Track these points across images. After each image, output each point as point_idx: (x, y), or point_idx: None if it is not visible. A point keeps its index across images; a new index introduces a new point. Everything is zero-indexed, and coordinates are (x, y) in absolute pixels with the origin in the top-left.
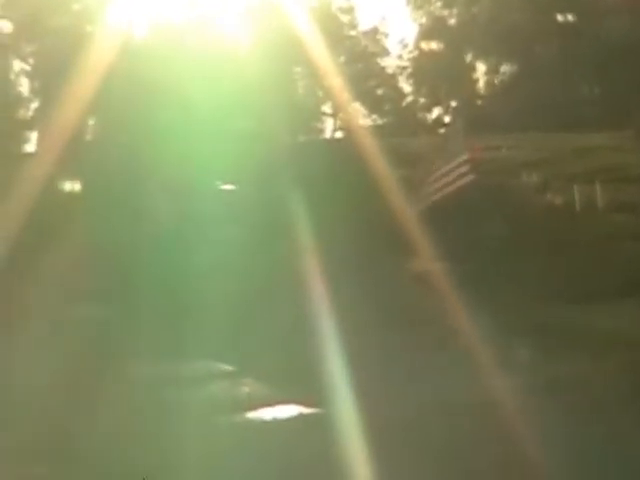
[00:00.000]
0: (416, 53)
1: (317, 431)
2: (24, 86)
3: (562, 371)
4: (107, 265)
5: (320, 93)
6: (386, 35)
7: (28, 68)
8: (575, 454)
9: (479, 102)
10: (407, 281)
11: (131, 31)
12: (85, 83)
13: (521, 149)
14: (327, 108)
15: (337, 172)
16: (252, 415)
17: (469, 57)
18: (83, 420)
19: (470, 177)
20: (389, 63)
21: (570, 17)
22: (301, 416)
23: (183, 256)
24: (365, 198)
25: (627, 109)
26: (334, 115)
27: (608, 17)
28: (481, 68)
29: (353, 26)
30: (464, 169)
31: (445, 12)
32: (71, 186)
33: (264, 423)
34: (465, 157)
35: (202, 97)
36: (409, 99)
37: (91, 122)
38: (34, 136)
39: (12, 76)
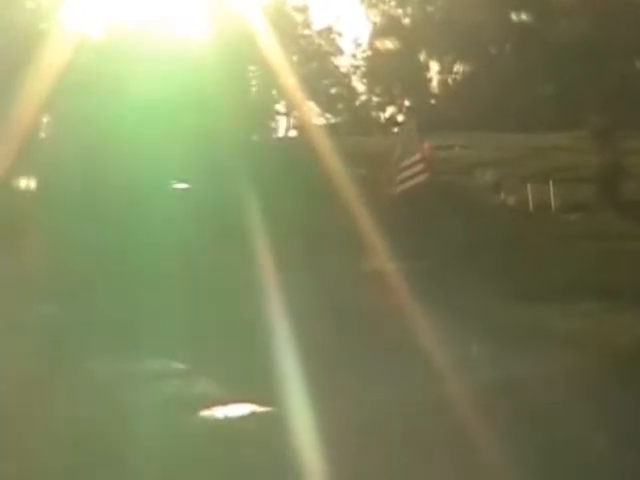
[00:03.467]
0: (370, 52)
1: (270, 430)
2: None
3: (516, 371)
4: (63, 264)
5: (274, 92)
6: (340, 34)
7: None
8: (524, 456)
9: (433, 101)
10: (361, 280)
11: (85, 29)
12: (39, 81)
13: (475, 148)
14: (281, 107)
15: (291, 171)
16: (205, 414)
17: (423, 56)
18: (32, 418)
19: (424, 176)
20: (343, 62)
21: (525, 17)
22: (254, 415)
23: (137, 254)
24: (319, 197)
25: (581, 109)
26: (288, 114)
27: (563, 18)
28: (435, 67)
29: (307, 25)
30: (418, 168)
31: (399, 11)
32: (26, 184)
33: (217, 422)
34: (419, 156)
35: (156, 96)
36: (363, 98)
37: (45, 120)
38: None
39: None
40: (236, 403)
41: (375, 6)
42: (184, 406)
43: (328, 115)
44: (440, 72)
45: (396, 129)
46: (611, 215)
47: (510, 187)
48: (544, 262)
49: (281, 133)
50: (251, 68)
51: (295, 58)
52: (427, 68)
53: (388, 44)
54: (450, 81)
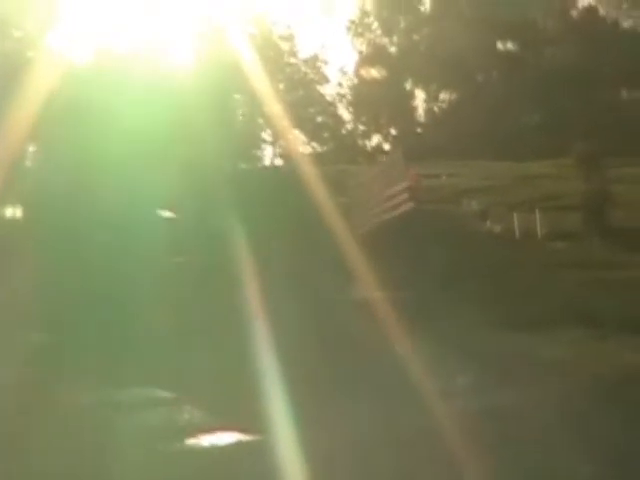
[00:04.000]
0: (356, 81)
1: (256, 458)
2: None
3: (501, 399)
4: (49, 292)
5: (260, 120)
6: (326, 62)
7: None
8: None
9: (419, 130)
10: (347, 309)
11: (72, 58)
12: (26, 109)
13: (461, 177)
14: (267, 135)
15: (277, 200)
16: (190, 442)
17: (409, 85)
18: (15, 445)
19: (410, 205)
20: (329, 90)
21: (511, 46)
22: (240, 443)
23: (125, 282)
24: (305, 226)
25: (568, 137)
26: (274, 142)
27: (549, 45)
28: (421, 96)
29: (293, 53)
30: (404, 197)
31: (385, 40)
32: (12, 212)
33: (203, 450)
34: (405, 184)
35: (142, 124)
36: (349, 126)
37: (31, 149)
38: None
39: None
40: (221, 431)
41: (361, 35)
42: (169, 434)
43: (314, 143)
44: (426, 100)
45: (382, 158)
46: (597, 243)
47: (496, 215)
48: (530, 290)
49: (267, 162)
50: (237, 96)
51: (281, 86)
52: (413, 96)
53: (374, 72)
54: (436, 109)
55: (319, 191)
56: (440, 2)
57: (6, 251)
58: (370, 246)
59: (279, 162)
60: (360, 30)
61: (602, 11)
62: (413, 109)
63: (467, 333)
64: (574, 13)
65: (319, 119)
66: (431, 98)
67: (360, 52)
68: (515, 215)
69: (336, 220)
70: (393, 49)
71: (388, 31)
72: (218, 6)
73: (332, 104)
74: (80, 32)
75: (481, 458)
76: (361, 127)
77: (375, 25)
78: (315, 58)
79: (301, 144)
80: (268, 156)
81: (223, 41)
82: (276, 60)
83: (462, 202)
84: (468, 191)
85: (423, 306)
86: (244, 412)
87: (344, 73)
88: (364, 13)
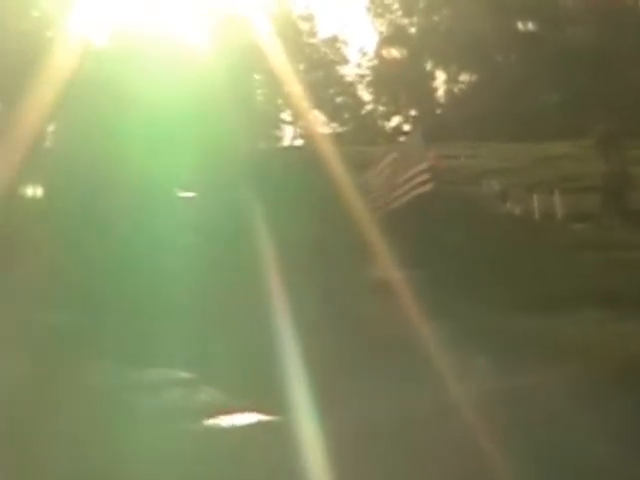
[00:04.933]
0: (376, 61)
1: (276, 439)
2: None
3: (520, 380)
4: (68, 272)
5: (280, 101)
6: (345, 43)
7: None
8: (530, 464)
9: (439, 111)
10: (366, 289)
11: (92, 38)
12: (45, 89)
13: (481, 158)
14: (286, 116)
15: (297, 180)
16: (210, 422)
17: (429, 66)
18: (37, 425)
19: (430, 185)
20: (349, 71)
21: (531, 26)
22: (260, 424)
23: (144, 263)
24: (325, 206)
25: (587, 118)
26: (294, 123)
27: (569, 25)
28: (441, 77)
29: (313, 34)
30: (424, 177)
31: (405, 21)
32: (33, 192)
33: (222, 431)
34: (425, 165)
35: (162, 104)
36: (369, 107)
37: (51, 128)
38: None
39: None
40: (241, 412)
41: (381, 15)
42: (189, 415)
43: (334, 124)
44: (446, 81)
45: (402, 138)
46: (617, 224)
47: (516, 196)
48: (549, 271)
49: (287, 142)
50: (257, 77)
51: (301, 67)
52: (433, 77)
53: (394, 53)
54: (456, 90)
55: (339, 171)
56: None
57: (26, 231)
58: (390, 227)
59: (299, 142)
60: (380, 10)
61: None
62: (433, 90)
63: (485, 314)
64: None
65: (339, 100)
66: (451, 79)
67: (380, 33)
68: (535, 196)
69: (356, 201)
70: (413, 30)
71: (408, 11)
72: None
73: (352, 85)
74: (100, 12)
75: (496, 440)
76: (381, 108)
77: (395, 6)
78: (335, 39)
79: (321, 125)
80: (288, 136)
81: (243, 21)
82: (296, 40)
83: (482, 183)
84: (487, 172)
85: (441, 286)
86: (264, 393)
87: (364, 54)
88: None
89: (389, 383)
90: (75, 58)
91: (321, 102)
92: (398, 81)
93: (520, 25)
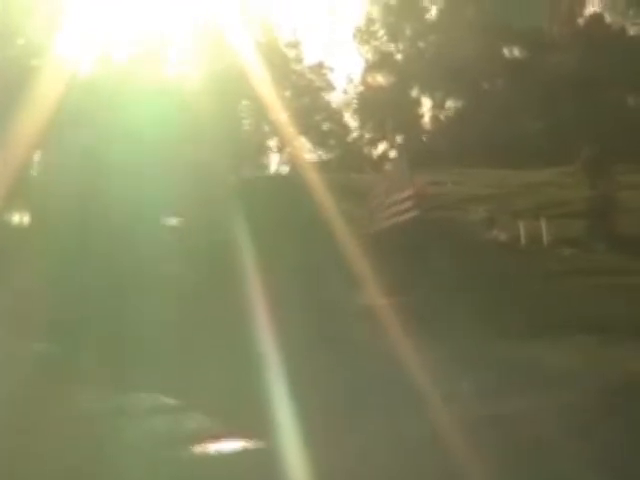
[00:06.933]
0: (362, 88)
1: (262, 466)
2: None
3: (506, 406)
4: (55, 299)
5: (266, 128)
6: (332, 70)
7: None
8: None
9: (425, 137)
10: (352, 315)
11: (77, 66)
12: (31, 117)
13: (467, 184)
14: (273, 143)
15: (282, 208)
16: (197, 449)
17: (415, 92)
18: (20, 453)
19: (415, 212)
20: (335, 98)
21: (517, 52)
22: (246, 450)
23: (128, 290)
24: (311, 233)
25: (572, 144)
26: (280, 150)
27: (555, 52)
28: (427, 103)
29: (299, 60)
30: (409, 204)
31: (391, 47)
32: (19, 219)
33: (209, 457)
34: (410, 192)
35: (148, 132)
36: (355, 134)
37: (37, 155)
38: None
39: None
40: (227, 438)
41: (367, 42)
42: (175, 441)
43: (320, 151)
44: (432, 108)
45: (388, 165)
46: (603, 249)
47: (502, 223)
48: (536, 297)
49: (273, 169)
50: (243, 104)
51: (287, 94)
52: (419, 104)
53: (380, 80)
54: (442, 117)
55: (324, 198)
56: (446, 9)
57: (12, 258)
58: (375, 253)
59: (285, 169)
60: (366, 37)
61: (608, 18)
62: (419, 116)
63: (472, 340)
64: (580, 20)
65: (325, 126)
66: (437, 105)
67: (366, 59)
68: (521, 222)
69: (342, 228)
70: (399, 56)
71: (394, 38)
72: (224, 13)
73: (338, 111)
74: (85, 39)
75: (484, 465)
76: (367, 134)
77: (381, 32)
78: (321, 65)
79: (307, 152)
80: (274, 163)
81: (229, 48)
82: (282, 67)
83: (468, 209)
84: (473, 198)
85: (428, 313)
86: (249, 419)
87: (350, 80)
88: (370, 20)
89: (376, 410)
90: (61, 85)
91: (307, 129)
92: (384, 107)
93: (506, 52)
